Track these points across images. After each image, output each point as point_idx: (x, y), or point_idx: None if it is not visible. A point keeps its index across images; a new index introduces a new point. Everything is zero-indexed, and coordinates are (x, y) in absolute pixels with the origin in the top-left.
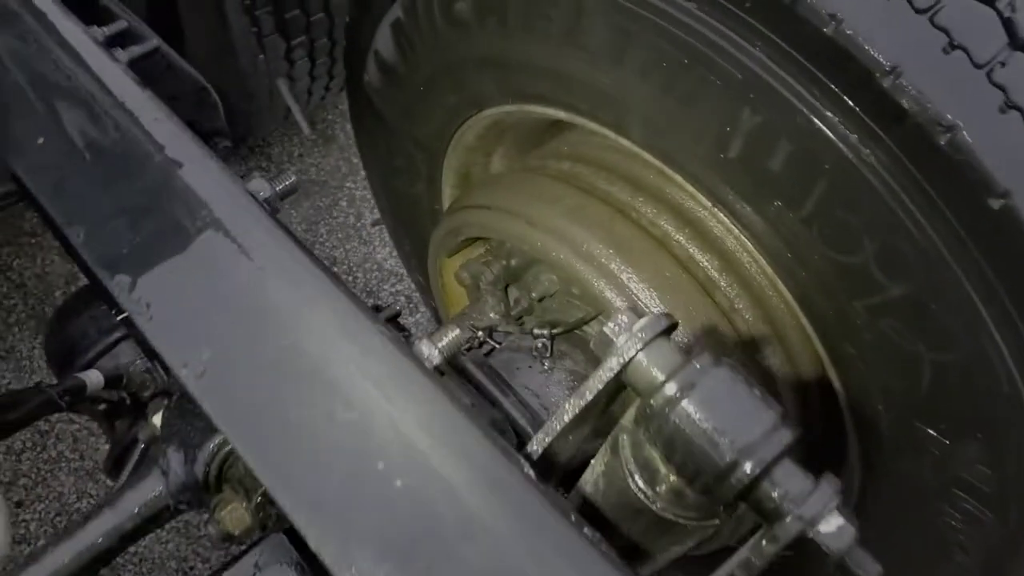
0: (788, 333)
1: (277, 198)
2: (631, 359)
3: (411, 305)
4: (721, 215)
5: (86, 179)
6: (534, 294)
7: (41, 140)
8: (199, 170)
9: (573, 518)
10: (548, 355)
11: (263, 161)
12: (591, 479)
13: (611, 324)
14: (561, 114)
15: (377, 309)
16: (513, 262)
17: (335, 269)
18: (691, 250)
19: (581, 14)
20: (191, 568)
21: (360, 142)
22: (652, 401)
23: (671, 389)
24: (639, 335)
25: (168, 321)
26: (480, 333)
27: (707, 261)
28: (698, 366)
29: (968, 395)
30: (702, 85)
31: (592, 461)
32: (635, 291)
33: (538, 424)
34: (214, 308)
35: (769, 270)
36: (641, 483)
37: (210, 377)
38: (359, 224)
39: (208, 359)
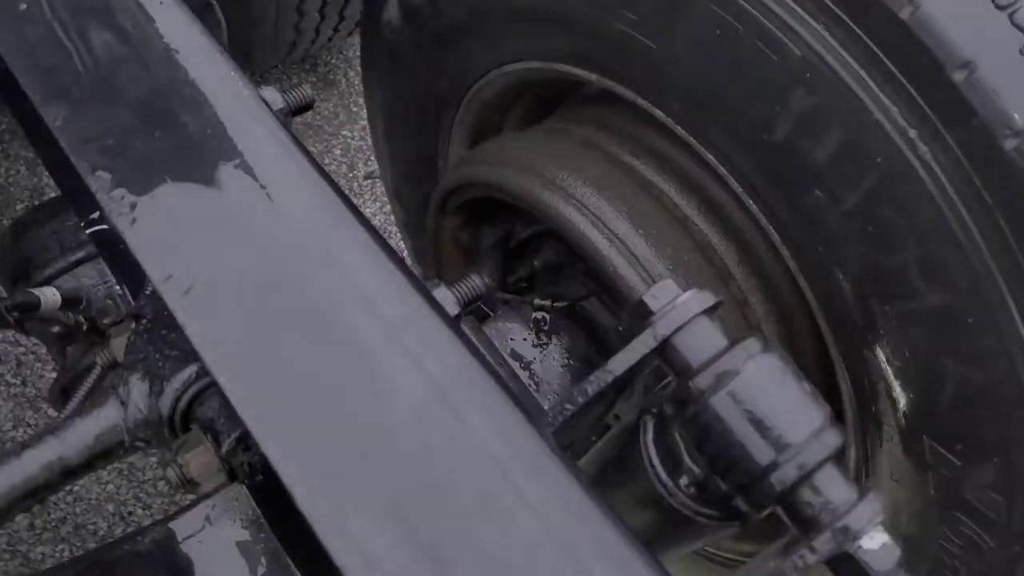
0: (801, 332)
1: (289, 111)
2: (672, 334)
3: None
4: (750, 202)
5: (72, 55)
6: (537, 263)
7: (24, 6)
8: (205, 63)
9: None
10: (545, 328)
11: None
12: (595, 463)
13: (652, 294)
14: (593, 77)
15: None
16: (519, 226)
17: None
18: (712, 236)
19: None
20: (129, 514)
21: (368, 84)
22: (691, 384)
23: (713, 372)
24: (683, 309)
25: (154, 227)
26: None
27: (726, 249)
28: (746, 350)
29: (991, 417)
30: (755, 58)
31: (598, 444)
32: (651, 271)
33: (528, 399)
34: (209, 220)
35: (792, 264)
36: (662, 473)
37: (197, 295)
38: (351, 175)
39: (197, 274)
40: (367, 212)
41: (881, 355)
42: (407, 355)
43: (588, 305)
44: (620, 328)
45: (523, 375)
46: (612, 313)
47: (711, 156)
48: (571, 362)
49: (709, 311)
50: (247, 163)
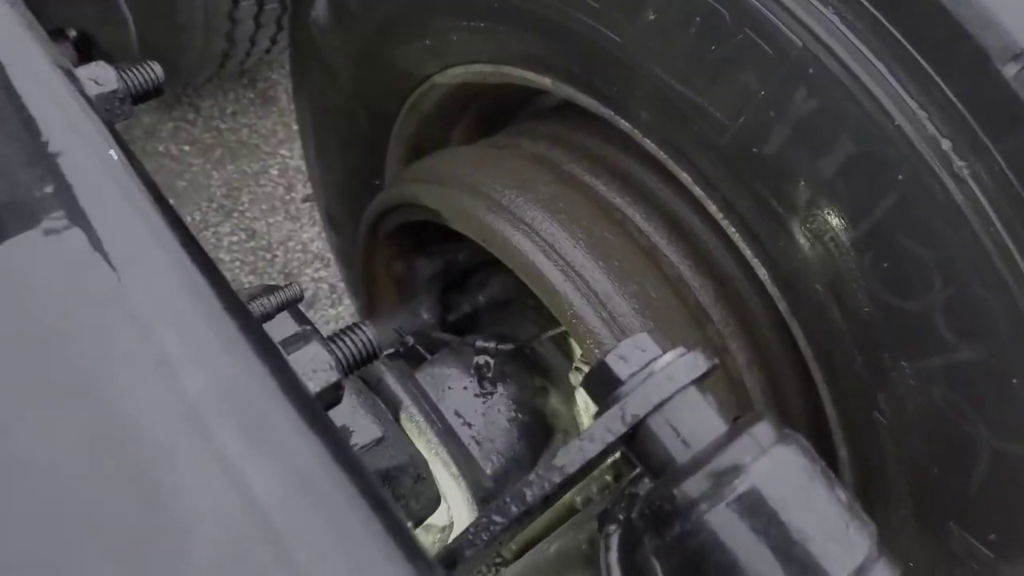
0: (789, 387)
1: (127, 97)
2: (648, 414)
3: (334, 295)
4: (732, 229)
5: None
6: (481, 298)
7: None
8: None
9: None
10: (489, 375)
11: (189, 113)
12: (545, 555)
13: (620, 354)
14: (547, 81)
15: (272, 290)
16: (460, 256)
17: (252, 243)
18: (683, 269)
19: None
20: None
21: (297, 94)
22: (676, 491)
23: (709, 474)
24: (663, 379)
25: None
26: (408, 338)
27: (701, 286)
28: (755, 441)
29: None
30: (745, 52)
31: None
32: (613, 311)
33: (467, 463)
34: None
35: (783, 305)
36: None
37: None
38: (288, 197)
39: None
40: (304, 236)
41: (893, 420)
42: (221, 473)
43: (539, 346)
44: (576, 382)
45: (464, 433)
46: (567, 356)
47: (685, 174)
48: (519, 415)
49: (699, 380)
50: (33, 155)
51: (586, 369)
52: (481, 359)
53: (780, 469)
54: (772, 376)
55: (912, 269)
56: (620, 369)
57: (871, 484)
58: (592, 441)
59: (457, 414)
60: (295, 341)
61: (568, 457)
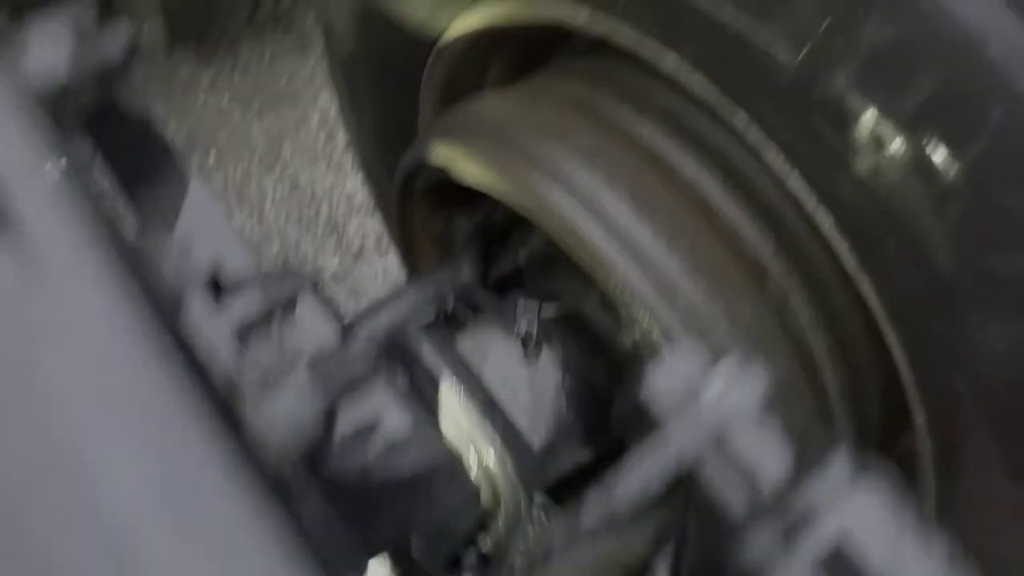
0: (859, 347)
1: (95, 75)
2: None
3: (381, 246)
4: (793, 176)
5: None
6: (523, 254)
7: None
8: None
9: None
10: (533, 340)
11: (227, 62)
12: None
13: (664, 377)
14: (582, 16)
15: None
16: (501, 209)
17: (296, 195)
18: (741, 223)
19: None
20: None
21: (325, 44)
22: (737, 544)
23: (778, 526)
24: (719, 411)
25: None
26: (449, 302)
27: (758, 238)
28: (833, 483)
29: None
30: None
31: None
32: (664, 270)
33: (513, 439)
34: None
35: (852, 258)
36: None
37: None
38: (330, 146)
39: None
40: (349, 186)
41: (978, 387)
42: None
43: (586, 306)
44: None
45: (508, 405)
46: (615, 316)
47: (743, 112)
48: (567, 383)
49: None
50: None
51: (636, 334)
52: (524, 322)
53: (864, 519)
54: (840, 336)
55: (1008, 221)
56: (664, 398)
57: (953, 460)
58: (625, 493)
59: (501, 384)
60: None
61: (595, 512)
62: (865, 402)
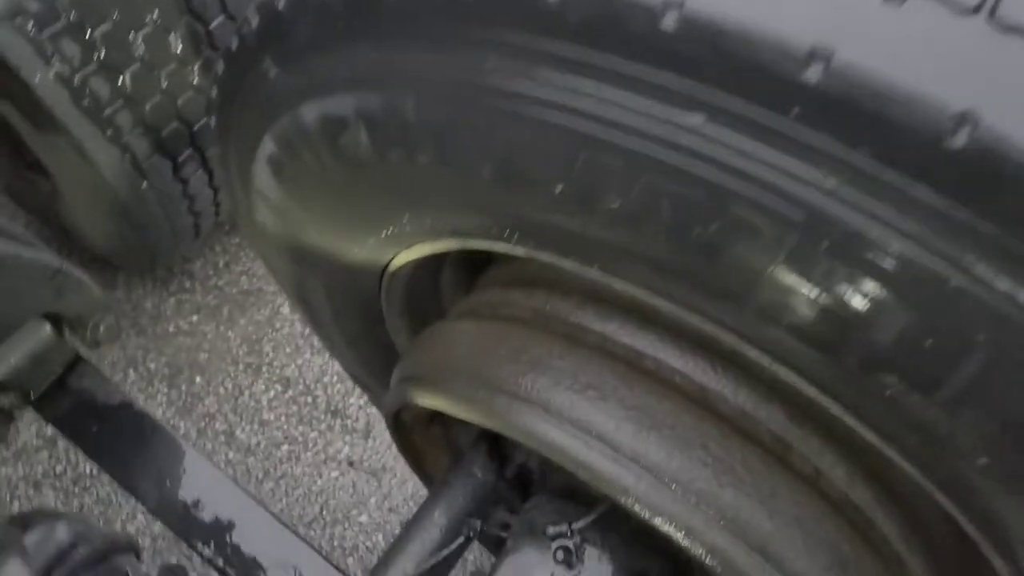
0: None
1: None
2: None
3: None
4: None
5: None
6: (532, 460)
7: None
8: None
9: None
10: (573, 553)
11: (186, 281)
12: None
13: None
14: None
15: None
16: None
17: (290, 392)
18: (743, 401)
19: None
20: None
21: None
22: None
23: None
24: None
25: None
26: (475, 523)
27: (768, 413)
28: None
29: None
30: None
31: None
32: (685, 485)
33: None
34: None
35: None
36: None
37: None
38: (307, 331)
39: None
40: (337, 366)
41: None
42: None
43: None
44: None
45: None
46: None
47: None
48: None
49: None
50: None
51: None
52: (557, 545)
53: None
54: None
55: None
56: None
57: None
58: None
59: None
60: None
61: None
62: None
